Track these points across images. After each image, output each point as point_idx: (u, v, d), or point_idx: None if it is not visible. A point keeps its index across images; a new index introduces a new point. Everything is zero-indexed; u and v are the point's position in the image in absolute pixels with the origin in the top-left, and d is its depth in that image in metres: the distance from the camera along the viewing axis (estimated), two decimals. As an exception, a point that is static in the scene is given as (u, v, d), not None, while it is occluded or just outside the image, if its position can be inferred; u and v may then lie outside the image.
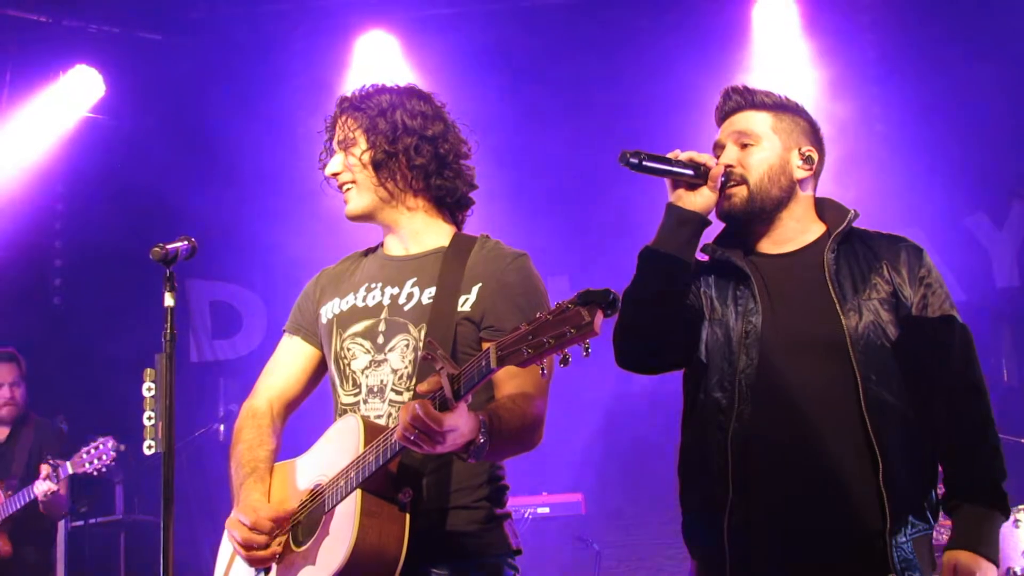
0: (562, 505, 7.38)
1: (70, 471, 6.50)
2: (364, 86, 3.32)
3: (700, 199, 2.97)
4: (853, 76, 8.27)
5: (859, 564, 2.81)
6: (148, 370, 3.21)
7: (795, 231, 3.07)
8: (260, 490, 3.12)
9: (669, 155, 2.98)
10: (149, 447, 3.20)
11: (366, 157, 3.17)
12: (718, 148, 3.11)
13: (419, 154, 3.18)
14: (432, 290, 3.08)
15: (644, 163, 2.93)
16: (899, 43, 8.24)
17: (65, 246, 8.49)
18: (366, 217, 3.21)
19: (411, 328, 3.07)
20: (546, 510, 7.28)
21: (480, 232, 3.31)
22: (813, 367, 2.88)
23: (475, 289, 3.06)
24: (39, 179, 8.22)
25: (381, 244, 3.33)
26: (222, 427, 7.68)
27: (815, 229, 3.09)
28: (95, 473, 6.55)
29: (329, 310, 3.24)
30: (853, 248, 3.04)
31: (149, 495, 7.55)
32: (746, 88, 3.17)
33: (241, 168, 8.30)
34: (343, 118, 3.28)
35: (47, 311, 8.33)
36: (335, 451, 2.94)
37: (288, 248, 8.42)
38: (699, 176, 2.97)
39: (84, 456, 6.49)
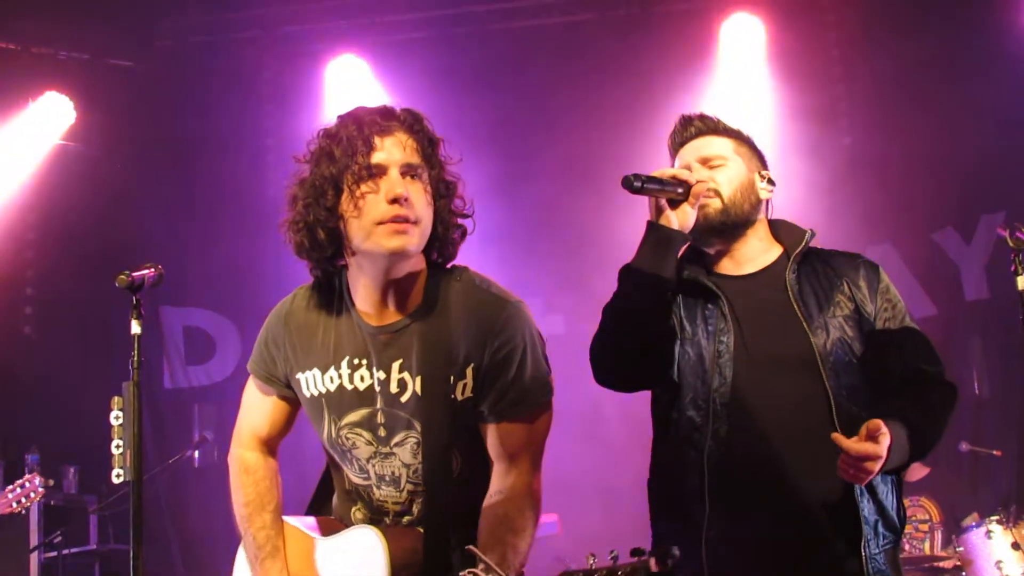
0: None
1: None
2: (388, 108, 2.85)
3: (682, 217, 3.01)
4: (820, 92, 8.34)
5: (837, 571, 2.87)
6: (116, 398, 3.19)
7: (757, 251, 3.14)
8: (279, 567, 3.00)
9: (655, 173, 3.02)
10: (118, 476, 3.18)
11: (431, 201, 2.79)
12: (675, 168, 3.14)
13: (452, 211, 2.88)
14: (420, 380, 2.81)
15: (645, 186, 2.96)
16: (866, 61, 8.31)
17: (36, 275, 8.44)
18: (402, 259, 2.79)
19: (415, 424, 2.84)
20: (523, 530, 7.25)
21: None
22: (785, 385, 2.94)
23: (469, 372, 2.81)
24: (10, 207, 8.18)
25: (348, 294, 2.92)
26: (197, 453, 7.64)
27: (774, 251, 3.16)
28: (21, 512, 6.42)
29: (312, 383, 2.94)
30: (813, 267, 3.11)
31: (124, 524, 7.48)
32: (705, 115, 3.25)
33: (213, 194, 8.30)
34: (402, 136, 2.80)
35: (18, 340, 8.27)
36: (357, 566, 2.81)
37: (260, 273, 8.41)
38: (684, 194, 3.01)
39: (10, 496, 6.35)
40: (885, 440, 2.71)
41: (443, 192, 2.82)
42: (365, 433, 2.91)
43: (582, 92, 8.37)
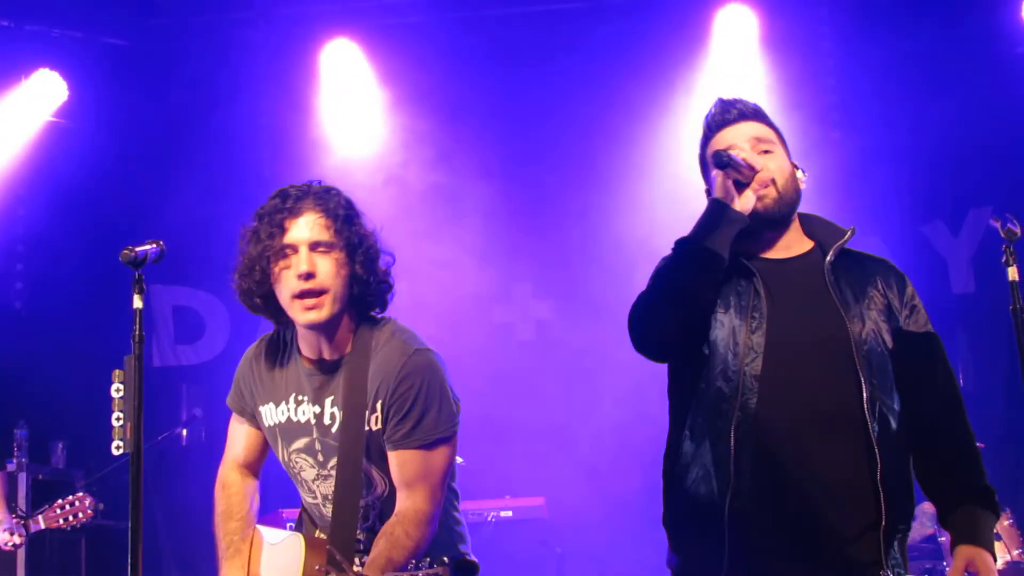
0: (524, 508, 7.40)
1: (42, 526, 6.40)
2: (309, 186, 3.35)
3: (744, 201, 3.02)
4: (811, 84, 8.37)
5: (855, 559, 2.90)
6: (117, 371, 3.22)
7: (793, 241, 3.16)
8: (237, 564, 3.45)
9: (733, 152, 3.03)
10: (117, 447, 3.21)
11: (345, 272, 3.24)
12: (739, 151, 3.12)
13: (374, 273, 3.30)
14: (342, 413, 3.28)
15: (729, 162, 2.98)
16: (859, 53, 8.34)
17: (27, 250, 8.45)
18: (324, 326, 3.25)
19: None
20: (508, 513, 7.30)
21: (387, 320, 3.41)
22: (817, 366, 2.96)
23: (379, 407, 3.25)
24: (0, 183, 8.19)
25: (295, 341, 3.40)
26: (185, 432, 7.67)
27: (806, 243, 3.18)
28: (68, 529, 6.45)
29: (269, 415, 3.43)
30: (845, 263, 3.13)
31: (111, 500, 7.51)
32: (744, 100, 3.24)
33: (204, 173, 8.30)
34: (312, 216, 3.25)
35: (8, 315, 8.28)
36: (283, 568, 3.27)
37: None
38: (748, 178, 3.04)
39: (58, 511, 6.37)
40: (982, 566, 2.93)
41: (359, 258, 3.25)
42: (308, 458, 3.39)
43: (575, 79, 8.39)
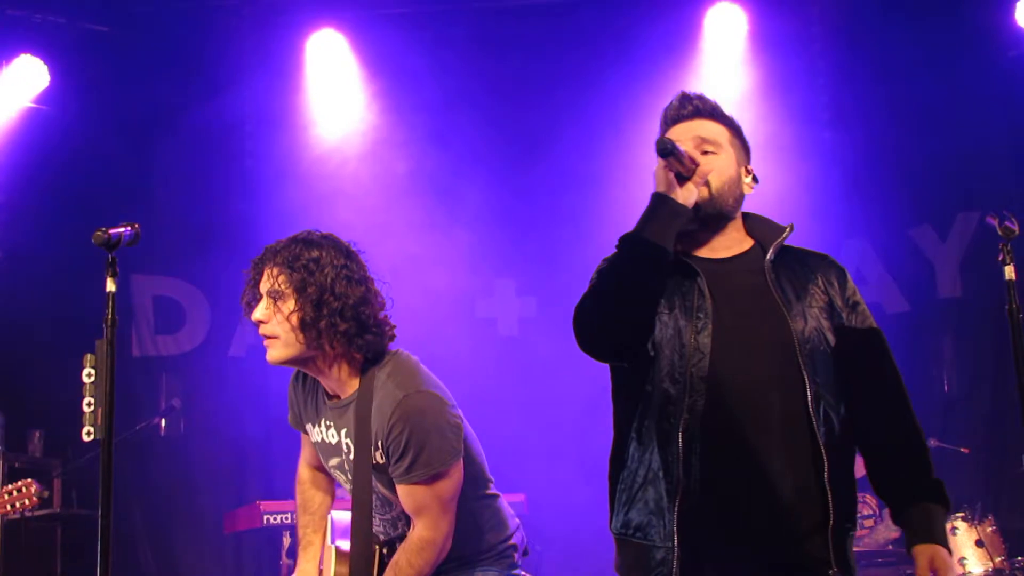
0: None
1: None
2: (293, 239, 3.58)
3: (687, 194, 3.00)
4: (800, 85, 8.34)
5: (803, 559, 2.91)
6: (88, 356, 3.19)
7: (735, 241, 3.16)
8: (309, 556, 3.90)
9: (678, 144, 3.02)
10: (88, 433, 3.17)
11: (294, 319, 3.48)
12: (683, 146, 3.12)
13: (344, 319, 3.47)
14: (354, 446, 3.59)
15: (674, 151, 2.97)
16: (848, 54, 8.32)
17: (3, 237, 8.36)
18: (287, 364, 3.58)
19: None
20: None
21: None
22: (762, 366, 2.96)
23: (380, 444, 3.51)
24: (-22, 169, 8.11)
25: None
26: (163, 422, 7.60)
27: (747, 242, 3.18)
28: (16, 516, 6.37)
29: (314, 433, 3.77)
30: (786, 260, 3.13)
31: (87, 489, 7.45)
32: (704, 97, 3.24)
33: (187, 162, 8.23)
34: (272, 268, 3.53)
35: (-15, 302, 8.20)
36: (325, 570, 3.83)
37: (233, 244, 8.36)
38: (690, 171, 3.02)
39: (6, 497, 6.29)
40: (941, 564, 2.93)
41: (323, 310, 3.46)
42: (341, 474, 3.72)
43: (563, 74, 8.36)
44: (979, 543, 6.51)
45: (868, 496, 7.22)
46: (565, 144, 8.24)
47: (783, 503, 2.89)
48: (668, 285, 3.02)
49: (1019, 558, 6.56)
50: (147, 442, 7.99)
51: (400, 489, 3.52)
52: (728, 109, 3.28)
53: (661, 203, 2.98)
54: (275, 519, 6.49)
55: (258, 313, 3.53)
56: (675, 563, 2.89)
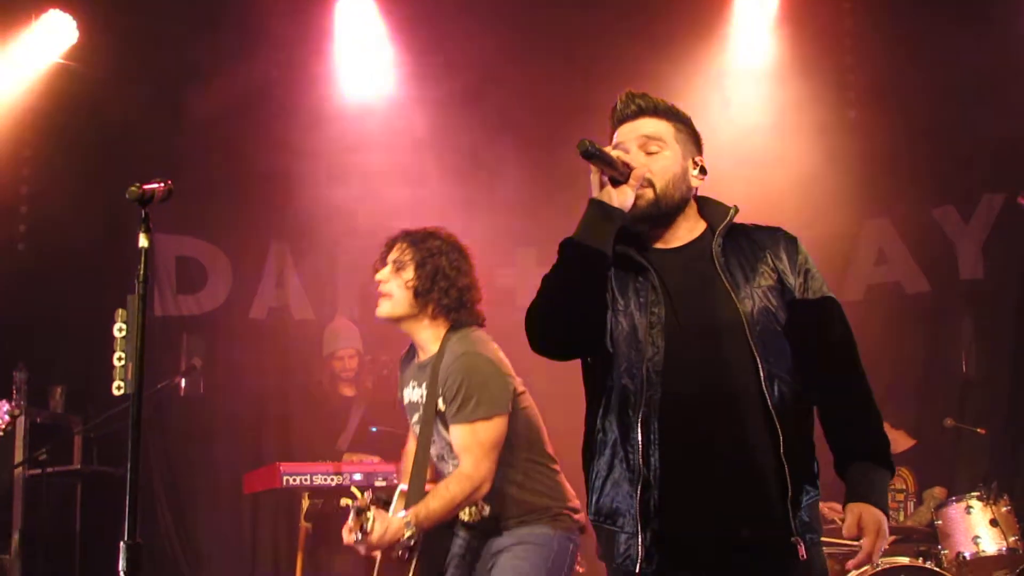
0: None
1: None
2: (425, 229, 4.49)
3: (622, 196, 3.08)
4: (830, 63, 8.31)
5: (764, 532, 3.00)
6: (120, 310, 3.21)
7: (685, 231, 3.24)
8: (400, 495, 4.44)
9: (606, 149, 3.10)
10: (119, 387, 3.21)
11: (410, 284, 4.34)
12: (617, 149, 3.20)
13: (447, 296, 4.35)
14: (426, 396, 4.35)
15: (596, 155, 3.04)
16: (878, 32, 8.28)
17: (31, 192, 8.41)
18: (390, 321, 4.41)
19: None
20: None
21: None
22: (714, 352, 3.06)
23: (441, 393, 4.25)
24: (5, 124, 8.14)
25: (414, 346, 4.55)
26: (183, 382, 7.64)
27: (699, 227, 3.26)
28: None
29: (405, 396, 4.56)
30: (736, 241, 3.21)
31: (107, 446, 7.51)
32: (648, 95, 3.31)
33: (215, 122, 8.23)
34: (403, 245, 4.44)
35: (11, 257, 8.25)
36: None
37: (258, 206, 8.39)
38: (625, 176, 3.09)
39: None
40: (868, 521, 3.06)
41: (434, 285, 4.35)
42: (418, 428, 4.44)
43: (589, 44, 8.33)
44: (993, 522, 6.50)
45: (903, 469, 7.28)
46: (593, 114, 8.21)
47: (741, 483, 2.99)
48: (624, 282, 3.14)
49: (1033, 539, 6.57)
50: (167, 402, 8.05)
51: (451, 430, 4.21)
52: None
53: (594, 206, 3.09)
54: (294, 480, 6.49)
55: (381, 274, 4.39)
56: (639, 549, 3.00)
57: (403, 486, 4.41)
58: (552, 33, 8.41)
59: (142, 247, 3.25)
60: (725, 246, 3.17)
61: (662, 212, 3.17)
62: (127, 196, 3.24)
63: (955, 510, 6.64)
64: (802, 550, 3.00)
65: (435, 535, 4.26)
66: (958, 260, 8.20)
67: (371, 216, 8.07)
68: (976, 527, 6.53)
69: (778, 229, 3.28)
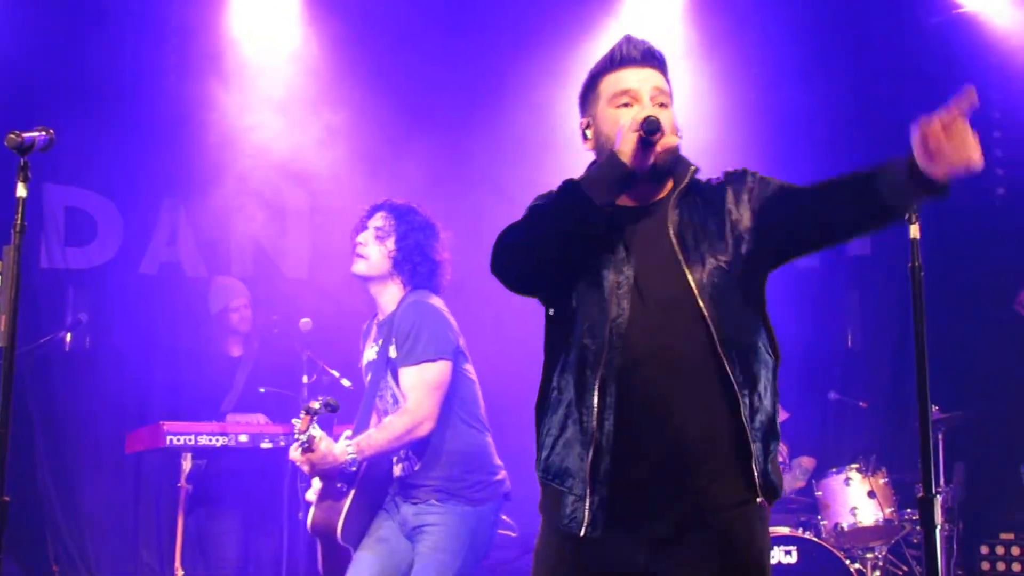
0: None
1: None
2: (407, 204, 4.92)
3: (644, 159, 2.95)
4: (732, 42, 8.36)
5: (727, 492, 2.96)
6: (-6, 261, 3.11)
7: (656, 188, 3.13)
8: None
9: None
10: (-10, 340, 3.11)
11: (391, 253, 4.79)
12: (626, 96, 3.09)
13: (421, 268, 4.80)
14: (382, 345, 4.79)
15: (657, 133, 2.91)
16: (780, 12, 8.36)
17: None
18: (361, 280, 4.86)
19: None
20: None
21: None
22: (671, 317, 2.98)
23: (394, 338, 4.69)
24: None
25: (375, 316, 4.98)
26: (69, 336, 7.48)
27: (667, 186, 3.14)
28: None
29: (365, 358, 4.96)
30: (694, 199, 3.11)
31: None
32: (654, 46, 3.16)
33: (107, 72, 8.02)
34: (385, 214, 4.88)
35: None
36: None
37: (150, 160, 8.21)
38: (657, 156, 2.98)
39: None
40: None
41: (411, 255, 4.80)
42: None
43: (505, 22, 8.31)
44: (871, 494, 6.69)
45: (782, 444, 7.40)
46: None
47: (699, 449, 2.93)
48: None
49: (908, 510, 6.76)
50: (51, 357, 7.88)
51: (400, 374, 4.62)
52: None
53: (615, 166, 2.95)
54: (178, 440, 6.42)
55: (363, 236, 4.83)
56: (585, 512, 2.94)
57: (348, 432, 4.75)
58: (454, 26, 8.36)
59: (20, 196, 3.16)
60: (682, 207, 3.08)
61: (659, 174, 3.06)
62: (6, 144, 3.15)
63: (835, 481, 6.81)
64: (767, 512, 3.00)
65: (372, 484, 4.66)
66: (846, 237, 8.35)
67: (266, 177, 8.01)
68: (854, 498, 6.71)
69: (730, 172, 3.16)
